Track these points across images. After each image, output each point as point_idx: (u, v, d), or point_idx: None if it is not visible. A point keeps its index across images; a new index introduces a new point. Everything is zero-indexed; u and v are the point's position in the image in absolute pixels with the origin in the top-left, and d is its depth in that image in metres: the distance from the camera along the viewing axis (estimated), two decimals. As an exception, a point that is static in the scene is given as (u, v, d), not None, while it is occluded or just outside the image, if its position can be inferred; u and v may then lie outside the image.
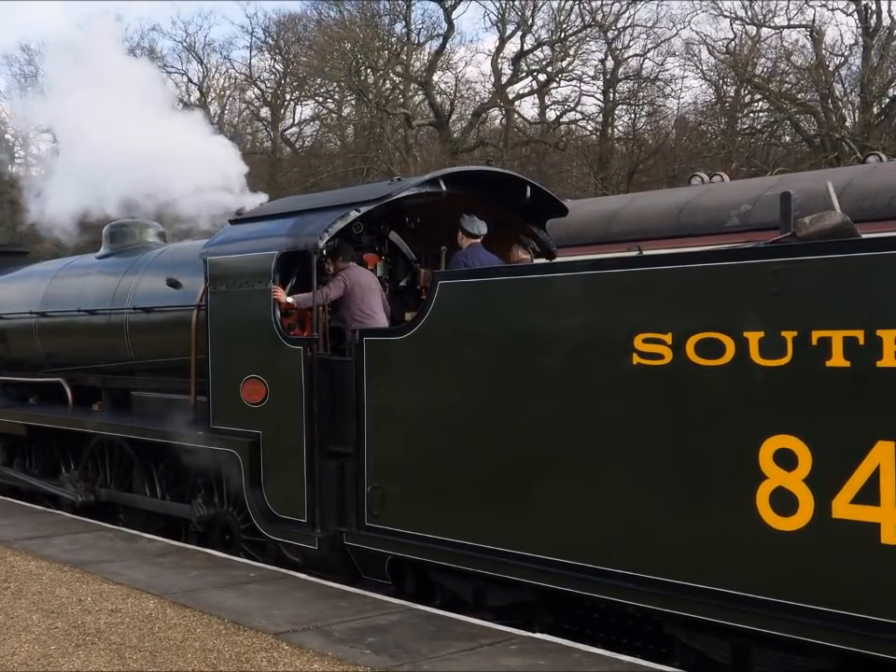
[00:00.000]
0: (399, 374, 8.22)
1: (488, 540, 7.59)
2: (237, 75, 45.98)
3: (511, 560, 7.44)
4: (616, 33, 40.01)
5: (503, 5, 40.73)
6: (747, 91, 39.17)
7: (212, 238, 10.03)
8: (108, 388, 11.86)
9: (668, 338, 6.58)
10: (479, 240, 9.21)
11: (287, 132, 46.00)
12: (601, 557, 6.94)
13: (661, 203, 14.53)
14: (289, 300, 9.09)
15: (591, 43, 40.40)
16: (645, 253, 8.15)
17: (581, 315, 7.10)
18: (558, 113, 41.80)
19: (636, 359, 6.73)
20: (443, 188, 9.08)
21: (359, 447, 8.43)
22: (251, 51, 45.98)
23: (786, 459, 6.02)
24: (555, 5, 39.82)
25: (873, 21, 36.54)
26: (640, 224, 13.85)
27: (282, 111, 43.72)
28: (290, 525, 8.97)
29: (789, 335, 6.02)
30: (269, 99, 44.79)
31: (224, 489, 9.98)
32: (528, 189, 9.48)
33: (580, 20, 39.94)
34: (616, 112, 40.85)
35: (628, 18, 39.76)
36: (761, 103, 39.09)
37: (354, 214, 8.89)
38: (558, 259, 9.14)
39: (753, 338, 6.18)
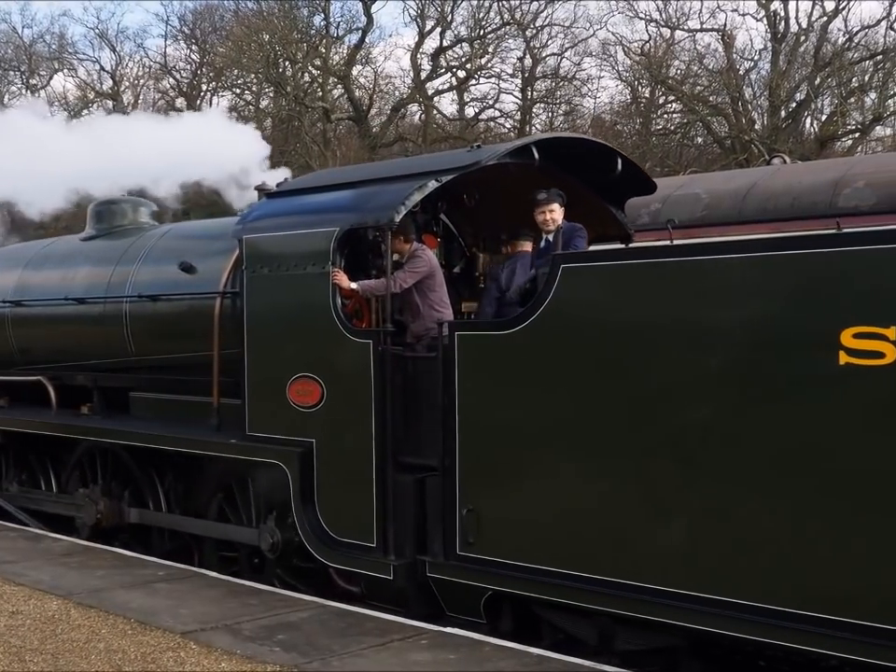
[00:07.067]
0: (506, 375, 6.61)
1: (622, 574, 6.07)
2: (151, 64, 43.35)
3: (652, 597, 5.93)
4: (534, 31, 38.79)
5: (422, 0, 39.11)
6: (661, 93, 38.42)
7: (246, 214, 8.26)
8: (101, 388, 9.91)
9: (891, 333, 5.13)
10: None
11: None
12: (775, 597, 5.49)
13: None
14: (353, 286, 7.40)
15: (509, 41, 39.10)
16: (845, 230, 6.69)
17: (764, 305, 5.61)
18: (477, 110, 40.43)
19: (843, 359, 5.26)
20: (536, 156, 7.47)
21: (449, 461, 6.80)
22: (166, 40, 43.29)
23: None
24: (474, 2, 38.36)
25: (781, 28, 36.09)
26: None
27: (198, 102, 41.21)
28: (355, 550, 7.31)
29: None
30: (184, 89, 42.18)
31: (255, 506, 8.26)
32: (619, 161, 7.93)
33: (498, 17, 38.54)
34: (534, 110, 39.66)
35: (546, 17, 38.58)
36: (674, 104, 38.43)
37: (433, 185, 7.25)
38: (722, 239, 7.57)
39: None
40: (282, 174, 9.37)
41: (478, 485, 6.71)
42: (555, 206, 7.43)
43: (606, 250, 7.29)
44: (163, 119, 13.35)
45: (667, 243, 8.21)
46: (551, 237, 7.41)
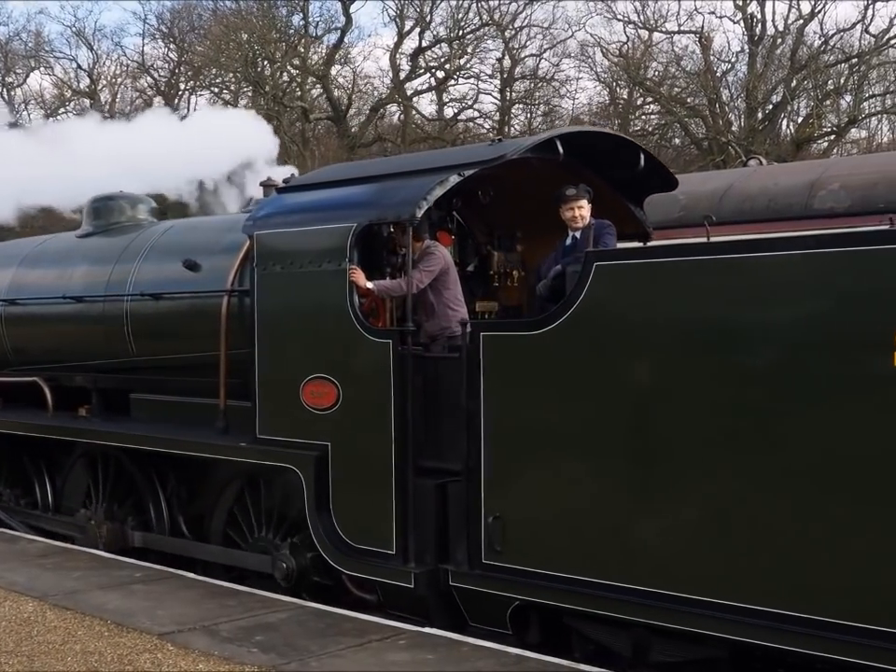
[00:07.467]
0: (534, 378, 6.28)
1: (660, 584, 5.77)
2: (129, 62, 42.64)
3: (691, 608, 5.64)
4: (513, 32, 38.58)
5: (401, 1, 38.77)
6: (639, 94, 38.31)
7: (257, 209, 7.91)
8: (100, 389, 9.48)
9: (952, 333, 4.86)
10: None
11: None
12: (821, 608, 5.22)
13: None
14: (370, 285, 7.07)
15: (488, 42, 38.87)
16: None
17: (815, 304, 5.32)
18: (456, 110, 40.12)
19: (900, 360, 4.99)
20: (561, 151, 7.16)
21: (474, 466, 6.48)
22: (144, 39, 42.63)
23: None
24: (454, 3, 38.06)
25: (758, 30, 36.10)
26: None
27: (176, 101, 40.65)
28: (373, 557, 6.97)
29: None
30: (162, 88, 41.59)
31: (259, 510, 7.94)
32: (642, 157, 7.63)
33: (477, 18, 38.29)
34: (513, 111, 39.43)
35: (525, 18, 38.38)
36: (652, 105, 38.34)
37: (454, 179, 6.91)
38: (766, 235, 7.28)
39: None
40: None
41: (505, 491, 6.39)
42: (584, 202, 7.15)
43: (642, 248, 7.00)
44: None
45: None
46: (578, 234, 7.10)
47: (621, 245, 7.61)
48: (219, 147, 9.55)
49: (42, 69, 42.46)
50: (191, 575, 7.98)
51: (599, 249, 6.61)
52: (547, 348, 6.21)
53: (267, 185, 8.84)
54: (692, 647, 5.88)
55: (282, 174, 8.98)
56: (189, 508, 8.71)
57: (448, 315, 7.40)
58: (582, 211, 7.14)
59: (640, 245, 8.18)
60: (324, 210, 7.33)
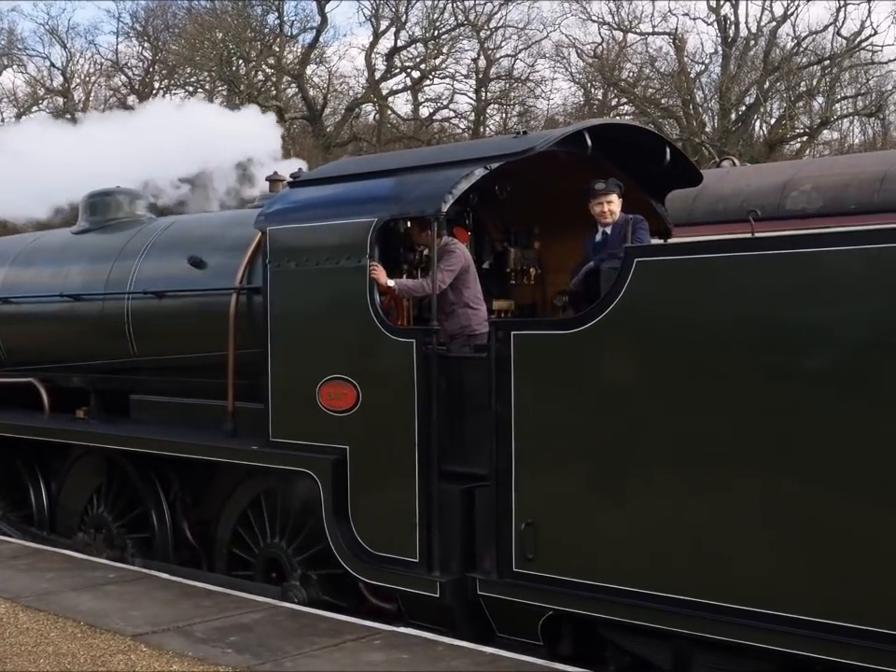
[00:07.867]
0: (569, 379, 5.95)
1: (705, 594, 5.46)
2: (103, 60, 41.95)
3: (738, 619, 5.34)
4: (488, 33, 38.36)
5: (377, 1, 38.42)
6: (613, 95, 38.20)
7: (268, 204, 7.54)
8: (99, 391, 9.04)
9: None
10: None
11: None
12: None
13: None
14: (391, 283, 6.74)
15: (464, 42, 38.66)
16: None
17: (883, 302, 5.02)
18: (431, 110, 39.85)
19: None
20: (589, 143, 6.85)
21: (504, 471, 6.15)
22: (118, 37, 41.99)
23: None
24: (429, 3, 37.78)
25: (731, 32, 36.10)
26: None
27: (151, 100, 40.00)
28: (395, 565, 6.63)
29: None
30: (136, 87, 40.94)
31: (270, 516, 7.59)
32: (668, 151, 7.34)
33: (453, 18, 38.05)
34: (488, 111, 39.17)
35: (500, 18, 38.20)
36: (626, 106, 38.25)
37: (480, 172, 6.58)
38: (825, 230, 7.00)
39: None
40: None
41: (537, 497, 6.06)
42: (613, 197, 6.85)
43: (686, 243, 6.67)
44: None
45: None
46: (608, 230, 6.80)
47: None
48: (183, 145, 9.15)
49: (15, 67, 41.76)
50: (165, 575, 7.78)
51: (638, 245, 6.30)
52: (583, 348, 5.90)
53: (273, 180, 8.49)
54: (737, 659, 5.59)
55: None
56: (193, 513, 8.32)
57: (468, 314, 7.11)
58: (612, 206, 6.85)
59: (661, 241, 7.90)
60: (342, 205, 6.98)
